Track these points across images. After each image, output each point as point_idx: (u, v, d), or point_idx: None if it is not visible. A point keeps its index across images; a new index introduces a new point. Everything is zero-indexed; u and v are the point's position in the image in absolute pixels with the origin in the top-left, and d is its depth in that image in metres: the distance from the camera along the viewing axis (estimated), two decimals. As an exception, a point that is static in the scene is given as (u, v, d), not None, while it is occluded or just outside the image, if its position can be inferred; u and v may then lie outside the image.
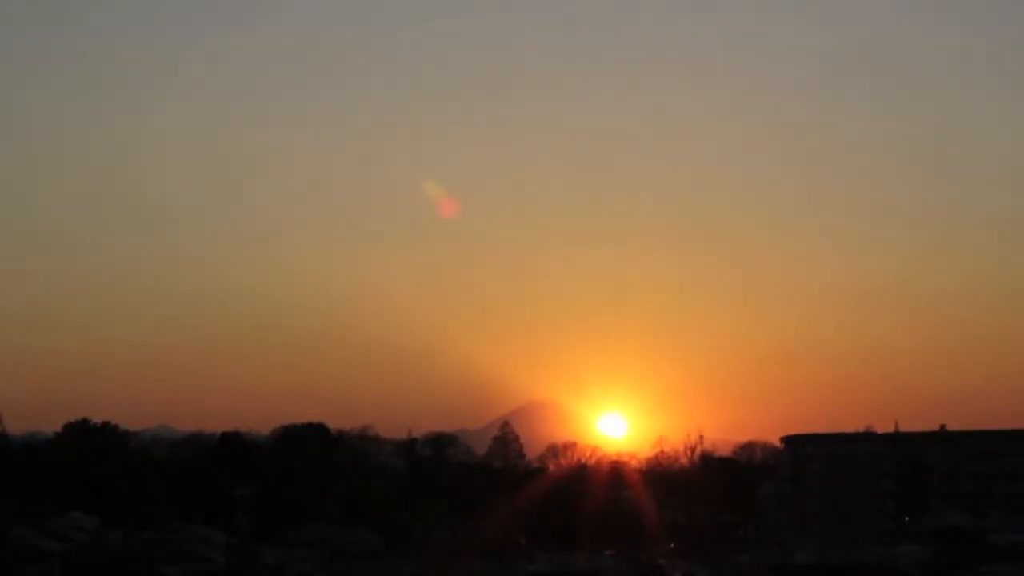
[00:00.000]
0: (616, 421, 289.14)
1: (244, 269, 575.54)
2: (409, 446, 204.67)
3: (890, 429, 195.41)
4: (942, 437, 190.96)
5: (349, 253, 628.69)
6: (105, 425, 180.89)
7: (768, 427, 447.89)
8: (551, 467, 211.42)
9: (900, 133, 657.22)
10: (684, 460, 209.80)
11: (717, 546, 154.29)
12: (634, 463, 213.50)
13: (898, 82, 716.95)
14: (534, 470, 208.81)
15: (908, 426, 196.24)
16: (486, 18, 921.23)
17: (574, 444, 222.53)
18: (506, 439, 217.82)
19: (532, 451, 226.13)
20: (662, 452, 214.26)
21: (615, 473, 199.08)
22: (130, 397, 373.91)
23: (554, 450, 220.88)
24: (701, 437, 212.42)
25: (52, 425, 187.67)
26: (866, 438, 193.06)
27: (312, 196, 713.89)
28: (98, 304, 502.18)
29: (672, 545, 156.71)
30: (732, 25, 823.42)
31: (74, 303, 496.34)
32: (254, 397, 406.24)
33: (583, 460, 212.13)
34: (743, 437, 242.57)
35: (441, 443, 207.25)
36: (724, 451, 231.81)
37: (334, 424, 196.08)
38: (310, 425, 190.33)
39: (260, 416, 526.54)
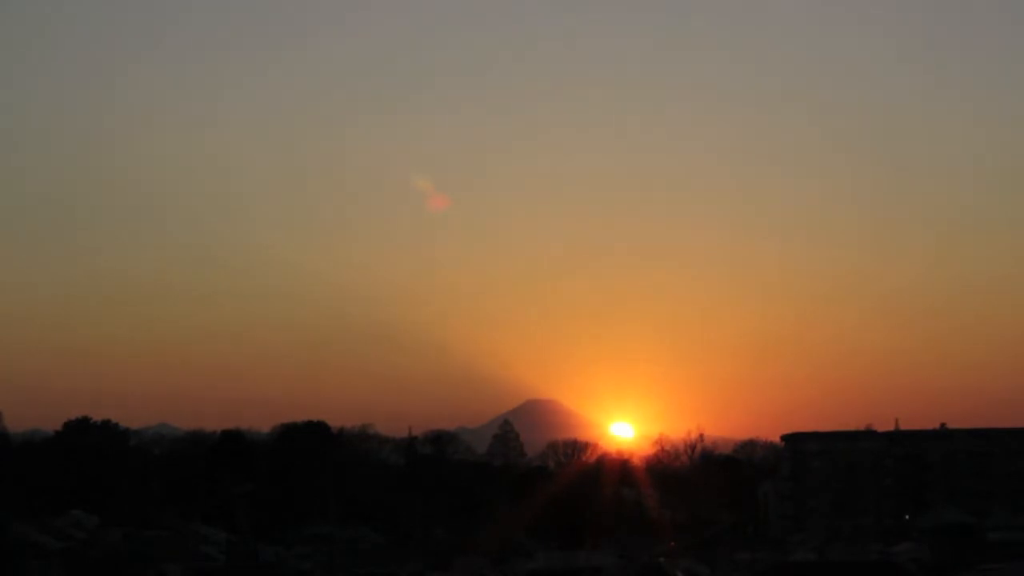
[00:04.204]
0: (618, 419, 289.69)
1: (244, 268, 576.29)
2: (409, 444, 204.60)
3: (890, 427, 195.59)
4: (942, 435, 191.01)
5: (350, 251, 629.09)
6: (106, 423, 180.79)
7: (769, 425, 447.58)
8: (551, 465, 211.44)
9: (900, 131, 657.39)
10: (684, 458, 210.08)
11: (717, 544, 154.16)
12: (635, 461, 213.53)
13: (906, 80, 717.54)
14: (534, 468, 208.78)
15: (908, 424, 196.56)
16: (484, 16, 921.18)
17: (574, 442, 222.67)
18: (506, 437, 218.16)
19: (532, 449, 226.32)
20: (662, 450, 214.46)
21: (616, 471, 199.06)
22: (131, 395, 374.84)
23: (554, 448, 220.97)
24: (701, 435, 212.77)
25: (53, 423, 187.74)
26: (866, 436, 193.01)
27: (310, 195, 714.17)
28: (98, 303, 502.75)
29: (672, 543, 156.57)
30: (721, 28, 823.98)
31: (74, 303, 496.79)
32: (254, 395, 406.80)
33: (583, 458, 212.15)
34: (744, 435, 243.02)
35: (441, 441, 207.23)
36: (725, 449, 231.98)
37: (334, 422, 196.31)
38: (310, 423, 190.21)
39: (260, 414, 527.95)
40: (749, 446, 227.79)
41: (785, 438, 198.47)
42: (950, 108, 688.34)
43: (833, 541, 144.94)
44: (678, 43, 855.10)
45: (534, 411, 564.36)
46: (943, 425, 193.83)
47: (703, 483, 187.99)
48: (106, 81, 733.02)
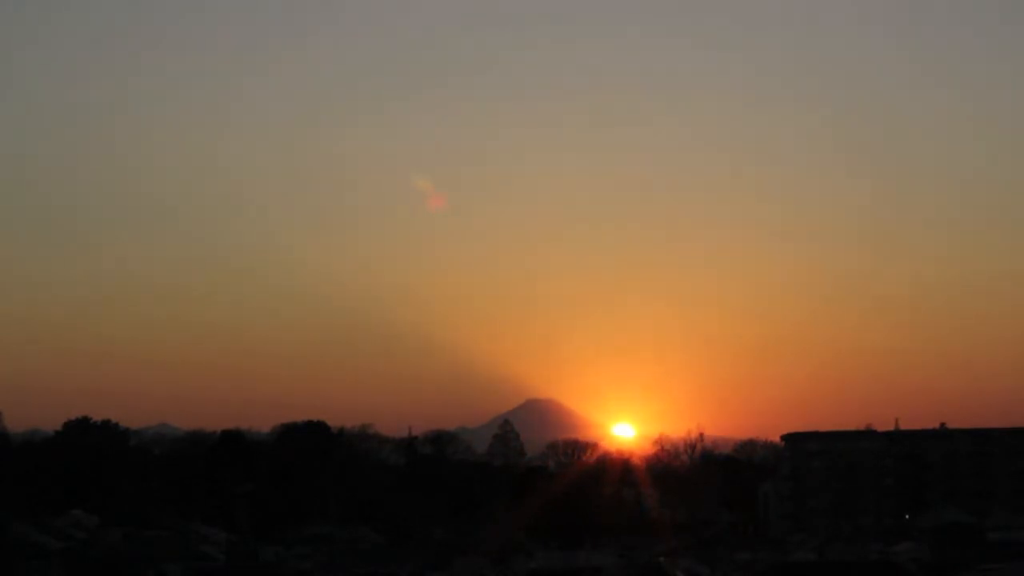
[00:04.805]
0: (618, 419, 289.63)
1: (243, 268, 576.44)
2: (409, 444, 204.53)
3: (890, 427, 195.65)
4: (942, 435, 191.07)
5: (349, 251, 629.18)
6: (106, 423, 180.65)
7: (769, 425, 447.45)
8: (551, 465, 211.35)
9: (900, 131, 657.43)
10: (684, 458, 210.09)
11: (717, 544, 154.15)
12: (635, 460, 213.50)
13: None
14: (534, 468, 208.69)
15: (908, 424, 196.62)
16: (484, 16, 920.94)
17: (574, 442, 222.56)
18: (506, 437, 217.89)
19: (532, 449, 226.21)
20: (662, 450, 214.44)
21: (616, 470, 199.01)
22: (131, 395, 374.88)
23: (554, 448, 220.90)
24: (701, 435, 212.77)
25: (53, 423, 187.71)
26: (866, 436, 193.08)
27: (310, 195, 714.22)
28: (98, 303, 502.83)
29: (672, 543, 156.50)
30: (722, 28, 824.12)
31: (74, 302, 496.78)
32: (255, 395, 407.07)
33: (583, 458, 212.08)
34: (744, 435, 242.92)
35: (441, 441, 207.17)
36: (725, 449, 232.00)
37: (334, 422, 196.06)
38: (310, 423, 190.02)
39: (261, 414, 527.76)
40: (749, 446, 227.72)
41: (785, 438, 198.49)
42: (950, 108, 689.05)
43: (833, 541, 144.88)
44: (678, 43, 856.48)
45: (534, 411, 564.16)
46: (943, 425, 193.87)
47: (703, 483, 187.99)
48: (107, 81, 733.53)
